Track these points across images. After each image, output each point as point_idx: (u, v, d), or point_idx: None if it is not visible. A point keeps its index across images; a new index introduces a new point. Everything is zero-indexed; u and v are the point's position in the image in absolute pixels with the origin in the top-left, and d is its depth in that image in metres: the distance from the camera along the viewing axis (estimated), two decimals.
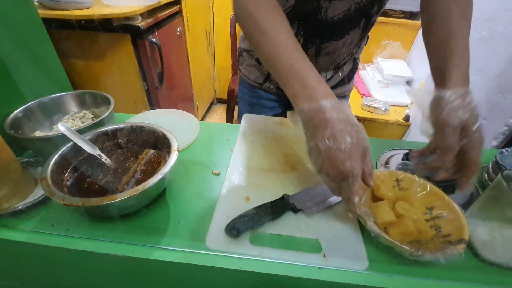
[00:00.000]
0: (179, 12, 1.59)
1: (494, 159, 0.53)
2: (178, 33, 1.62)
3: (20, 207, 0.42)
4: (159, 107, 1.42)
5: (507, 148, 0.55)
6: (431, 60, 0.50)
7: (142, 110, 1.27)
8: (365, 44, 0.72)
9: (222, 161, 0.55)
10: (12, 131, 0.48)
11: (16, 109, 0.54)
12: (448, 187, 0.51)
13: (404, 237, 0.39)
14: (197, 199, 0.47)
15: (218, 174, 0.53)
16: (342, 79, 0.73)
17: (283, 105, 0.77)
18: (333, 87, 0.73)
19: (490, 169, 0.53)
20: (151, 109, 1.39)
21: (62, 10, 1.00)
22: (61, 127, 0.46)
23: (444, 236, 0.40)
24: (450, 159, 0.41)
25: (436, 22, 0.49)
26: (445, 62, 0.44)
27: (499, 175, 0.39)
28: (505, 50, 0.85)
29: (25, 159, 0.51)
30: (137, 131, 0.51)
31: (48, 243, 0.38)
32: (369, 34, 0.67)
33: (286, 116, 0.60)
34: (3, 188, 0.42)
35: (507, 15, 0.86)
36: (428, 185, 0.46)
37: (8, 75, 0.56)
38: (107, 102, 0.60)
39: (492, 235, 0.38)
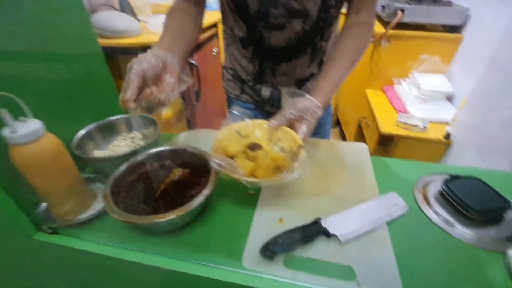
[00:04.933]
0: (215, 34, 1.70)
1: None
2: (214, 53, 1.72)
3: (82, 219, 0.49)
4: (195, 123, 1.51)
5: None
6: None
7: (179, 126, 1.35)
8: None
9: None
10: (78, 152, 0.55)
11: (79, 131, 0.63)
12: (494, 218, 0.48)
13: (268, 172, 0.49)
14: (234, 218, 0.50)
15: (252, 195, 0.55)
16: None
17: (262, 112, 0.83)
18: None
19: None
20: (187, 124, 1.47)
21: (116, 38, 1.13)
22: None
23: (289, 150, 0.53)
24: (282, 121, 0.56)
25: (335, 45, 0.64)
26: (320, 77, 0.62)
27: None
28: None
29: (86, 176, 0.59)
30: (180, 152, 0.56)
31: (105, 253, 0.43)
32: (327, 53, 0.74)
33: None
34: (70, 202, 0.49)
35: None
36: (262, 123, 0.57)
37: (75, 100, 0.66)
38: (153, 123, 0.67)
39: None
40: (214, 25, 1.67)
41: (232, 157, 0.52)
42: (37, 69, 0.57)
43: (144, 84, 0.46)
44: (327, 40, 0.68)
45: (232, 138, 0.56)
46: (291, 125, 0.56)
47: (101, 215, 0.50)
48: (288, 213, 0.50)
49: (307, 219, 0.47)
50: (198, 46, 1.48)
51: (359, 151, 0.66)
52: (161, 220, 0.39)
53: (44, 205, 0.51)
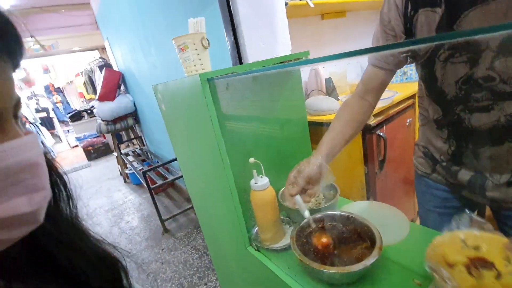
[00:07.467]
0: (412, 105, 1.68)
1: None
2: (408, 124, 1.69)
3: (275, 247, 0.69)
4: (375, 191, 1.51)
5: None
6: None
7: (360, 192, 1.44)
8: None
9: (428, 273, 0.55)
10: (281, 200, 0.80)
11: (283, 187, 0.89)
12: None
13: None
14: None
15: (419, 286, 0.53)
16: None
17: (459, 198, 0.75)
18: None
19: None
20: (367, 192, 1.51)
21: (320, 115, 1.45)
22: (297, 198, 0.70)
23: None
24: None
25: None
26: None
27: None
28: None
29: (281, 217, 0.82)
30: (351, 219, 0.66)
31: (281, 276, 0.60)
32: None
33: (466, 211, 0.52)
34: (270, 232, 0.72)
35: None
36: (495, 238, 0.46)
37: (283, 160, 0.94)
38: (334, 188, 0.81)
39: None
40: (412, 96, 1.67)
41: (451, 266, 0.46)
42: (264, 133, 0.91)
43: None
44: None
45: (454, 246, 0.49)
46: None
47: (287, 249, 0.69)
48: None
49: None
50: (392, 117, 1.53)
51: None
52: (324, 270, 0.51)
53: (256, 229, 0.77)
